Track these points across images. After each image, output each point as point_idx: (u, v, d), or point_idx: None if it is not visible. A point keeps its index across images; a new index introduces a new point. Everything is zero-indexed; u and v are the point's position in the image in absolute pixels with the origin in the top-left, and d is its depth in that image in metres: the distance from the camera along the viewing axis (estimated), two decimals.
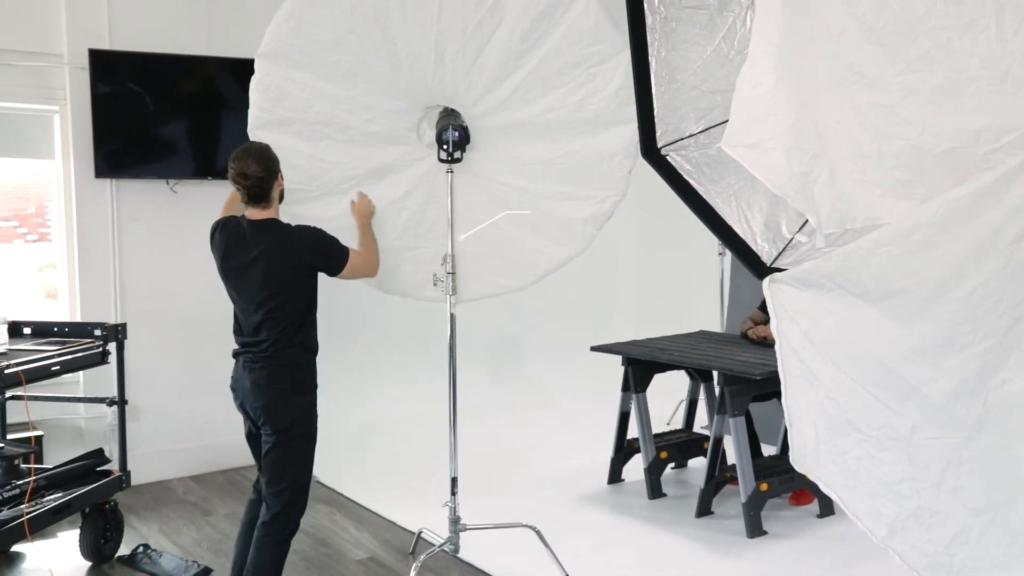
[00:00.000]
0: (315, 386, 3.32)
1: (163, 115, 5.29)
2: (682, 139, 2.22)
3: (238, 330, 3.36)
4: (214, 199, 5.50)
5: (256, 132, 3.71)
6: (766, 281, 2.02)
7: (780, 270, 2.05)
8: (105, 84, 5.09)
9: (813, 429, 2.07)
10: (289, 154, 3.57)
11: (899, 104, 1.84)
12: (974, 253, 1.79)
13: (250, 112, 3.74)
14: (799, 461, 2.10)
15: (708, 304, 6.47)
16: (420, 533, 4.29)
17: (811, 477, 2.08)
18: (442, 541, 4.00)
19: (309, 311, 3.29)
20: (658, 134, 2.19)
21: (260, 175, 3.19)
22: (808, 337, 2.04)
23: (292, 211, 3.64)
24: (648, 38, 2.13)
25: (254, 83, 3.71)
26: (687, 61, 2.20)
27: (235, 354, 3.36)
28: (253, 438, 3.39)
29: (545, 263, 3.94)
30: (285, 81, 3.67)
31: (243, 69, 3.91)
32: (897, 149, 1.85)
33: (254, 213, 3.27)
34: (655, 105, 2.16)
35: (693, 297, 6.83)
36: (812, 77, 1.90)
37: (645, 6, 2.14)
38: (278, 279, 3.19)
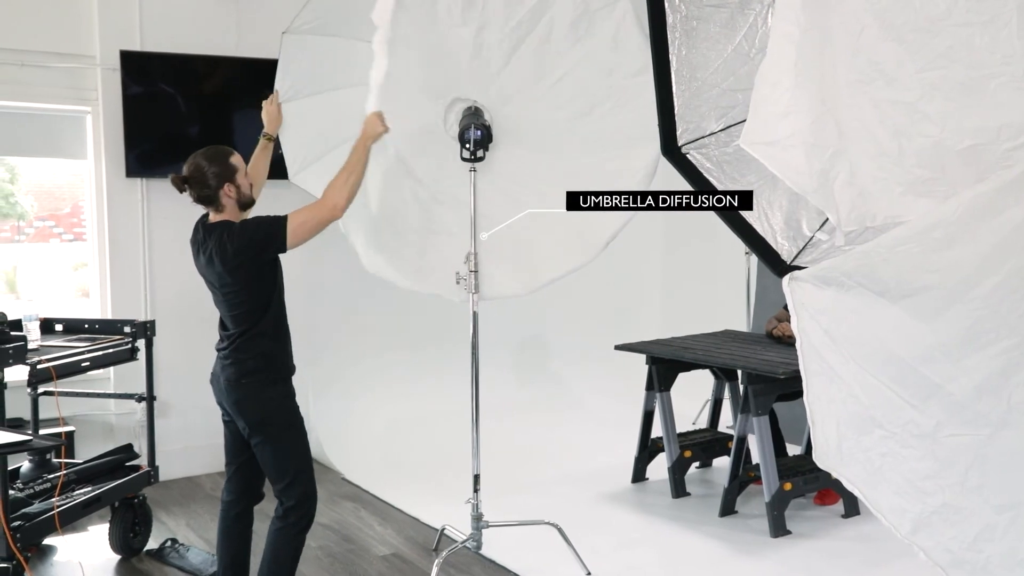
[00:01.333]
0: (287, 375, 3.27)
1: (193, 115, 5.36)
2: (703, 137, 2.23)
3: (219, 325, 3.41)
4: None
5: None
6: (786, 279, 2.02)
7: (800, 268, 2.05)
8: (136, 85, 5.17)
9: (836, 427, 2.07)
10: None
11: (920, 101, 1.83)
12: (995, 251, 1.78)
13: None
14: (822, 459, 2.09)
15: (734, 303, 6.45)
16: (443, 529, 4.31)
17: (835, 475, 2.07)
18: (465, 538, 4.02)
19: (270, 301, 3.23)
20: (679, 132, 2.19)
21: (195, 180, 3.19)
22: (829, 335, 2.03)
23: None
24: (668, 36, 2.14)
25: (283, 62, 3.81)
26: (708, 59, 2.20)
27: (216, 349, 3.40)
28: (229, 430, 3.39)
29: (557, 269, 3.96)
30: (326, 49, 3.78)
31: (271, 69, 3.96)
32: (918, 146, 1.85)
33: (211, 215, 3.30)
34: (676, 103, 2.17)
35: (719, 296, 6.80)
36: (832, 75, 1.90)
37: (666, 5, 2.15)
38: (229, 277, 3.18)
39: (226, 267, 3.15)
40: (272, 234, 3.12)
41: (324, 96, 3.88)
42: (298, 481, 3.24)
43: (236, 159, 3.25)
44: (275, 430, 3.22)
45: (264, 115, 3.81)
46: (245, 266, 3.15)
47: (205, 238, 3.24)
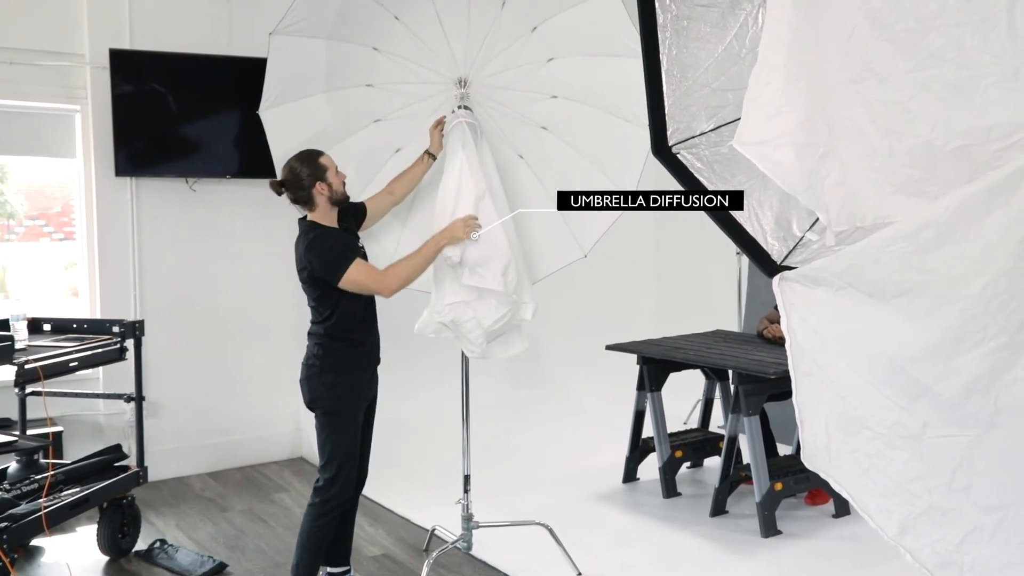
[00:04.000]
0: (341, 370, 3.46)
1: (183, 114, 5.34)
2: (693, 137, 2.22)
3: None
4: (233, 198, 5.59)
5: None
6: (776, 279, 2.01)
7: (790, 268, 2.05)
8: (126, 83, 5.14)
9: (824, 427, 2.06)
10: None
11: (910, 101, 1.82)
12: (985, 251, 1.77)
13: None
14: (810, 459, 2.09)
15: (726, 303, 6.46)
16: (433, 530, 4.31)
17: (822, 475, 2.07)
18: (455, 538, 4.02)
19: (336, 305, 3.43)
20: (669, 132, 2.18)
21: (290, 183, 3.44)
22: (818, 335, 2.03)
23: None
24: (659, 36, 2.13)
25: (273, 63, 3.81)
26: (698, 59, 2.19)
27: None
28: None
29: (547, 266, 3.97)
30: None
31: (262, 69, 3.94)
32: (908, 146, 1.84)
33: (308, 214, 3.51)
34: (666, 103, 2.16)
35: (711, 296, 6.81)
36: (823, 74, 1.89)
37: (656, 4, 2.14)
38: (300, 274, 3.47)
39: (297, 265, 3.45)
40: (329, 271, 3.36)
41: (313, 99, 3.86)
42: (329, 466, 3.47)
43: (326, 159, 3.47)
44: (320, 414, 3.48)
45: (431, 133, 3.85)
46: (308, 270, 3.41)
47: (299, 231, 3.50)
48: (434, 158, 3.85)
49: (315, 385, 3.46)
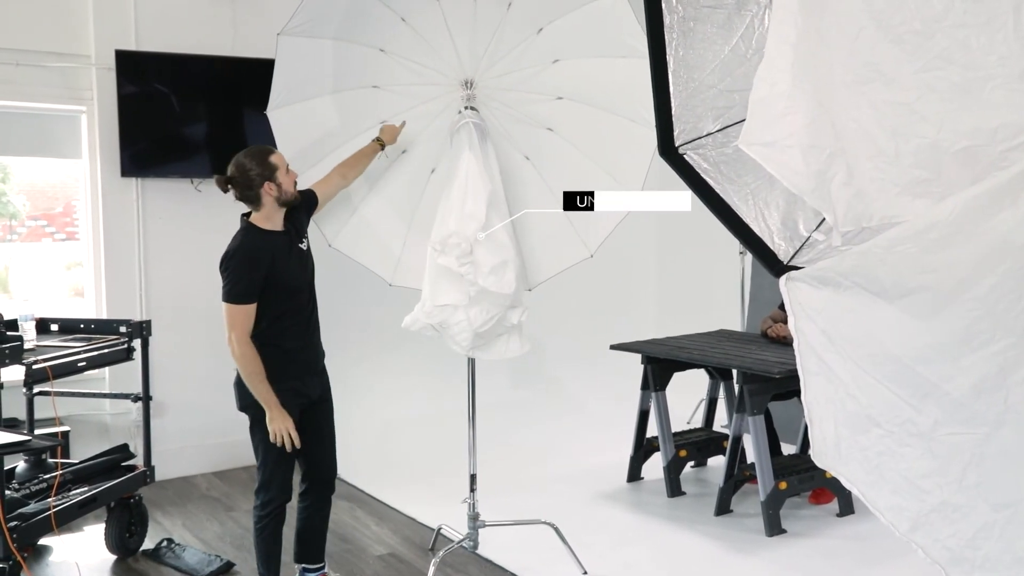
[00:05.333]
0: (269, 377, 3.36)
1: (188, 115, 5.36)
2: (700, 138, 2.22)
3: None
4: None
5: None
6: (783, 279, 2.02)
7: (797, 268, 2.06)
8: (131, 84, 5.16)
9: (833, 426, 2.07)
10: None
11: (917, 102, 1.83)
12: (991, 251, 1.78)
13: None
14: (820, 458, 2.10)
15: (729, 303, 6.47)
16: (439, 529, 4.32)
17: (833, 473, 2.08)
18: (461, 537, 4.03)
19: (263, 312, 3.35)
20: (676, 133, 2.19)
21: (237, 180, 3.36)
22: (826, 335, 2.04)
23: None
24: (666, 37, 2.14)
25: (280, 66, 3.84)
26: (705, 60, 2.19)
27: None
28: None
29: (553, 267, 3.99)
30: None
31: (267, 70, 3.96)
32: (914, 147, 1.85)
33: (252, 214, 3.46)
34: (673, 104, 2.17)
35: (714, 296, 6.82)
36: (829, 76, 1.91)
37: (663, 5, 2.15)
38: None
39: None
40: (223, 290, 3.32)
41: (320, 100, 3.88)
42: (263, 470, 3.48)
43: (276, 158, 3.38)
44: (250, 418, 3.47)
45: (386, 128, 3.87)
46: None
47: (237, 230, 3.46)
48: (382, 147, 3.84)
49: (244, 391, 3.41)
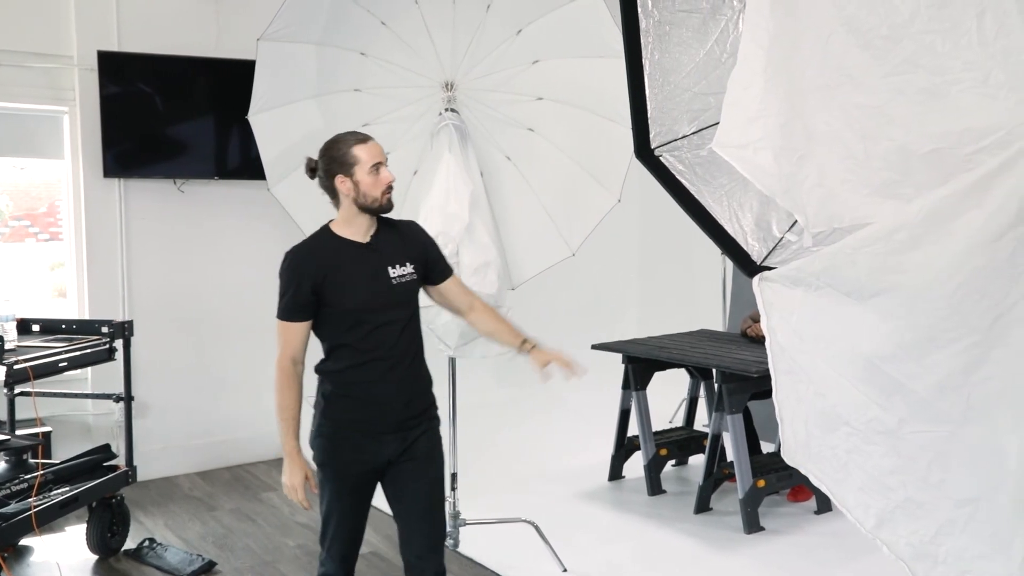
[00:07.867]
0: (326, 417, 2.83)
1: (171, 116, 5.35)
2: (675, 140, 2.26)
3: None
4: (221, 199, 5.61)
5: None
6: (756, 279, 2.06)
7: (770, 268, 2.09)
8: (114, 85, 5.16)
9: (804, 424, 2.11)
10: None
11: (886, 105, 1.87)
12: (957, 252, 1.82)
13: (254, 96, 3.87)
14: (790, 456, 2.14)
15: (711, 303, 6.51)
16: None
17: (802, 471, 2.12)
18: None
19: (325, 336, 2.80)
20: (651, 135, 2.23)
21: (315, 168, 2.78)
22: (798, 334, 2.08)
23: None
24: (642, 41, 2.18)
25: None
26: (680, 64, 2.24)
27: None
28: None
29: (535, 265, 4.02)
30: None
31: (250, 71, 3.98)
32: (884, 150, 1.89)
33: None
34: (649, 107, 2.21)
35: (696, 296, 6.87)
36: (801, 79, 1.94)
37: (639, 9, 2.18)
38: None
39: None
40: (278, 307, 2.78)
41: (302, 104, 3.90)
42: (322, 528, 2.86)
43: (365, 150, 2.68)
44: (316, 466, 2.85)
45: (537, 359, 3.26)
46: None
47: None
48: (523, 349, 3.29)
49: (312, 429, 2.85)
